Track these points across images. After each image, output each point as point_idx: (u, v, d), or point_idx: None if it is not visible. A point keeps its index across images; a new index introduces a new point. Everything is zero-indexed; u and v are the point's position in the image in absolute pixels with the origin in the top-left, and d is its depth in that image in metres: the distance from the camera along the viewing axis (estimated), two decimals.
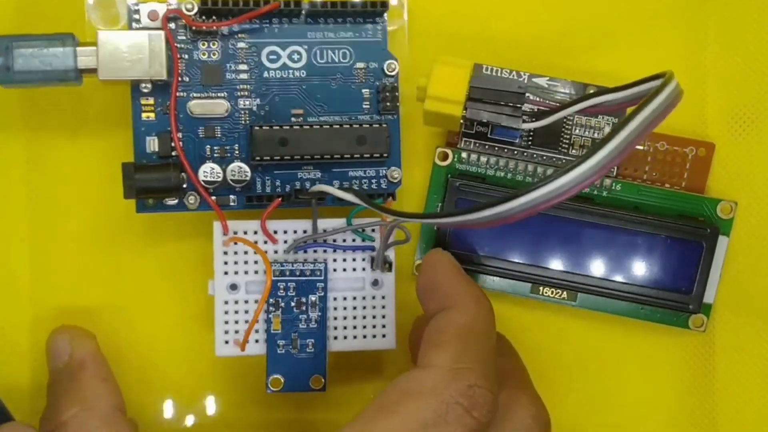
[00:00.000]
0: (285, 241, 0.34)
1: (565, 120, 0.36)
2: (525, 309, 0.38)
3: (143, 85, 0.33)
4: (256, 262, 0.34)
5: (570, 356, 0.38)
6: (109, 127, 0.36)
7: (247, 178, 0.34)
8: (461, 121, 0.33)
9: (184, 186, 0.34)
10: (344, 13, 0.34)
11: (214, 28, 0.34)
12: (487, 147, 0.35)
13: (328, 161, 0.34)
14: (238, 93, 0.34)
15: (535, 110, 0.34)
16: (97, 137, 0.36)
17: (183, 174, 0.33)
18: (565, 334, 0.38)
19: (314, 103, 0.35)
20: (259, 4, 0.33)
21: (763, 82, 0.37)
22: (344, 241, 0.34)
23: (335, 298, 0.34)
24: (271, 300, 0.33)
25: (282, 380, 0.34)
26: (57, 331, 0.34)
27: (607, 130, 0.35)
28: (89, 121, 0.36)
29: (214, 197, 0.34)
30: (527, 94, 0.34)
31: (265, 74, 0.34)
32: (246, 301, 0.34)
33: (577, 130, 0.36)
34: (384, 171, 0.35)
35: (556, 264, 0.36)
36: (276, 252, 0.34)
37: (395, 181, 0.35)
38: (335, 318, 0.34)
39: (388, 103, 0.35)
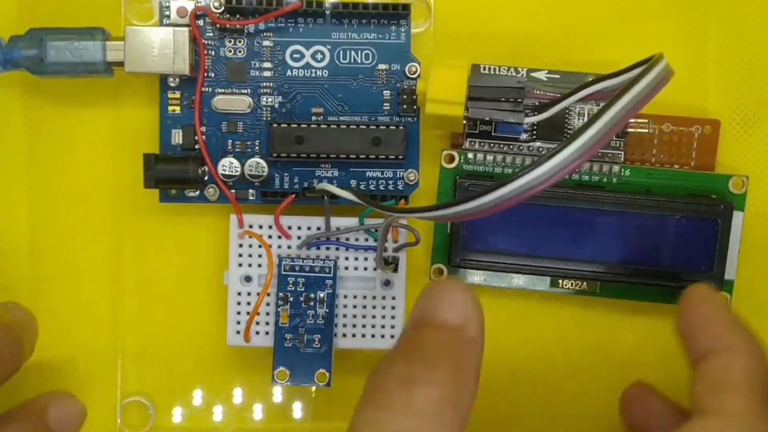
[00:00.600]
0: (298, 237, 0.35)
1: (567, 111, 0.35)
2: (545, 304, 0.37)
3: (170, 79, 0.35)
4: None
5: (595, 347, 0.37)
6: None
7: (264, 174, 0.34)
8: (464, 121, 0.33)
9: (205, 178, 0.35)
10: (368, 15, 0.35)
11: (238, 26, 0.34)
12: (492, 145, 0.35)
13: (345, 161, 0.35)
14: (262, 90, 0.35)
15: (537, 104, 0.34)
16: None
17: (204, 167, 0.35)
18: (587, 325, 0.37)
19: (335, 102, 0.35)
20: (282, 4, 0.34)
21: (765, 54, 0.37)
22: (356, 240, 0.35)
23: (345, 296, 0.35)
24: (280, 294, 0.34)
25: (288, 373, 0.34)
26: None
27: None
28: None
29: (233, 191, 0.35)
30: (526, 89, 0.34)
31: (289, 73, 0.35)
32: (258, 293, 0.35)
33: (580, 120, 0.35)
34: (401, 173, 0.35)
35: (574, 255, 0.35)
36: (289, 247, 0.35)
37: (412, 183, 0.35)
38: (344, 316, 0.35)
39: (407, 106, 0.35)
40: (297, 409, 0.37)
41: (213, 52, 0.35)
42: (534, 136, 0.35)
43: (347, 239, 0.35)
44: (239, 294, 0.35)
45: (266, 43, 0.35)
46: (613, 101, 0.25)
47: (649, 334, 0.37)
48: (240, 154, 0.35)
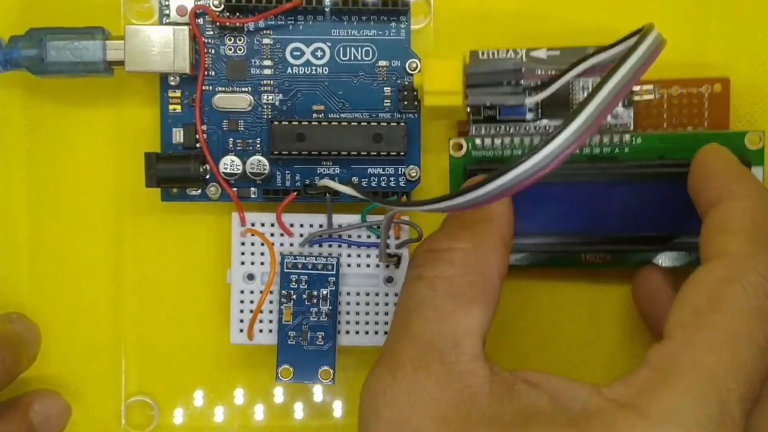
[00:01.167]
0: (301, 235, 0.35)
1: (570, 86, 0.35)
2: (564, 280, 0.37)
3: (171, 77, 0.35)
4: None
5: (623, 318, 0.37)
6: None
7: (266, 172, 0.34)
8: (467, 109, 0.33)
9: (207, 177, 0.35)
10: (368, 11, 0.35)
11: (238, 24, 0.34)
12: (499, 129, 0.35)
13: (346, 158, 0.34)
14: (262, 88, 0.35)
15: (538, 83, 0.34)
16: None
17: (206, 165, 0.35)
18: (614, 299, 0.37)
19: (336, 99, 0.35)
20: (281, 1, 0.34)
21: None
22: (359, 237, 0.35)
23: (348, 293, 0.35)
24: (283, 292, 0.34)
25: (291, 370, 0.34)
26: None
27: None
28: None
29: (235, 189, 0.35)
30: (525, 70, 0.33)
31: (289, 70, 0.35)
32: (261, 292, 0.35)
33: (583, 94, 0.35)
34: (403, 169, 0.35)
35: (595, 230, 0.35)
36: (292, 245, 0.35)
37: (413, 179, 0.35)
38: (348, 313, 0.35)
39: (408, 102, 0.35)
40: (298, 410, 0.37)
41: (213, 51, 0.35)
42: (540, 115, 0.35)
43: (349, 236, 0.35)
44: (242, 292, 0.35)
45: (266, 40, 0.35)
46: (609, 75, 0.25)
47: None
48: (241, 152, 0.35)
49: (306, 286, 0.34)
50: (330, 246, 0.35)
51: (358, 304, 0.35)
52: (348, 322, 0.35)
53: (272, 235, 0.35)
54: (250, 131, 0.35)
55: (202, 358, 0.37)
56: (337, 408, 0.37)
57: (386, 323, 0.35)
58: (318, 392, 0.37)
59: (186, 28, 0.34)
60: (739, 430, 0.25)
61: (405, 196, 0.35)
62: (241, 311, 0.35)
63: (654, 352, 0.27)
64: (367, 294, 0.35)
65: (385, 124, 0.34)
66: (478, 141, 0.35)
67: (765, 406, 0.27)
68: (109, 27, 0.34)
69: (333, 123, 0.34)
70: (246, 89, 0.35)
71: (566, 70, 0.33)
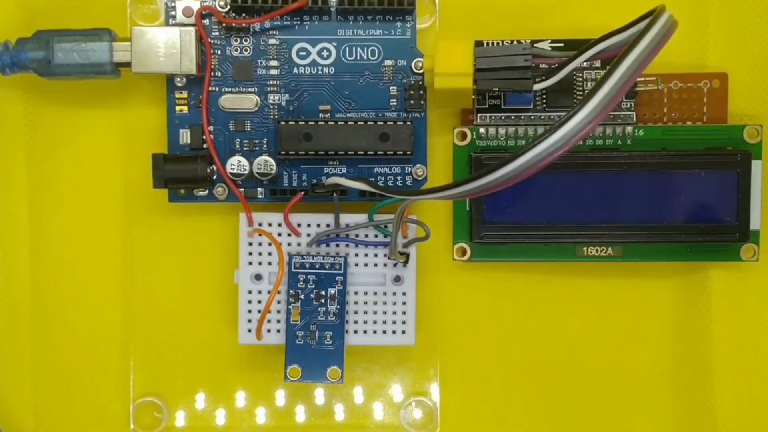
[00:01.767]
0: (308, 234, 0.35)
1: (575, 76, 0.35)
2: (570, 275, 0.37)
3: (177, 79, 0.35)
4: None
5: (627, 312, 0.37)
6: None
7: (273, 172, 0.35)
8: (473, 96, 0.33)
9: (214, 177, 0.35)
10: (374, 11, 0.35)
11: (244, 25, 0.34)
12: (503, 118, 0.35)
13: (353, 157, 0.34)
14: (268, 88, 0.35)
15: (546, 68, 0.33)
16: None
17: (213, 166, 0.35)
18: (615, 292, 0.37)
19: (342, 99, 0.35)
20: (287, 2, 0.34)
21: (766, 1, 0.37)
22: (366, 236, 0.35)
23: (356, 293, 0.35)
24: (291, 291, 0.34)
25: (300, 370, 0.34)
26: None
27: None
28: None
29: (242, 189, 0.35)
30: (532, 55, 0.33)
31: (295, 70, 0.35)
32: (269, 292, 0.35)
33: (588, 84, 0.35)
34: (409, 168, 0.35)
35: (596, 220, 0.35)
36: (299, 245, 0.35)
37: (420, 178, 0.35)
38: (355, 312, 0.35)
39: (414, 101, 0.35)
40: (300, 411, 0.37)
41: (219, 52, 0.35)
42: (544, 105, 0.35)
43: (357, 235, 0.35)
44: (250, 292, 0.35)
45: (272, 41, 0.35)
46: (622, 58, 0.25)
47: (683, 293, 0.37)
48: (248, 152, 0.35)
49: (314, 286, 0.34)
50: (337, 245, 0.35)
51: (366, 303, 0.35)
52: (356, 322, 0.35)
53: (279, 235, 0.35)
54: (256, 131, 0.35)
55: (211, 358, 0.37)
56: (339, 411, 0.37)
57: (394, 322, 0.35)
58: (319, 395, 0.37)
59: (192, 29, 0.34)
60: None
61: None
62: (249, 312, 0.35)
63: None
64: (375, 293, 0.35)
65: (392, 123, 0.34)
66: (482, 130, 0.35)
67: None
68: (116, 28, 0.35)
69: (339, 123, 0.34)
70: (252, 90, 0.35)
71: (575, 56, 0.33)
